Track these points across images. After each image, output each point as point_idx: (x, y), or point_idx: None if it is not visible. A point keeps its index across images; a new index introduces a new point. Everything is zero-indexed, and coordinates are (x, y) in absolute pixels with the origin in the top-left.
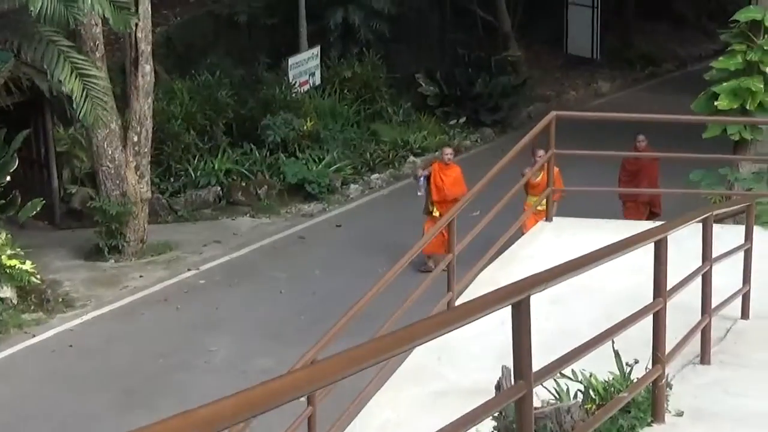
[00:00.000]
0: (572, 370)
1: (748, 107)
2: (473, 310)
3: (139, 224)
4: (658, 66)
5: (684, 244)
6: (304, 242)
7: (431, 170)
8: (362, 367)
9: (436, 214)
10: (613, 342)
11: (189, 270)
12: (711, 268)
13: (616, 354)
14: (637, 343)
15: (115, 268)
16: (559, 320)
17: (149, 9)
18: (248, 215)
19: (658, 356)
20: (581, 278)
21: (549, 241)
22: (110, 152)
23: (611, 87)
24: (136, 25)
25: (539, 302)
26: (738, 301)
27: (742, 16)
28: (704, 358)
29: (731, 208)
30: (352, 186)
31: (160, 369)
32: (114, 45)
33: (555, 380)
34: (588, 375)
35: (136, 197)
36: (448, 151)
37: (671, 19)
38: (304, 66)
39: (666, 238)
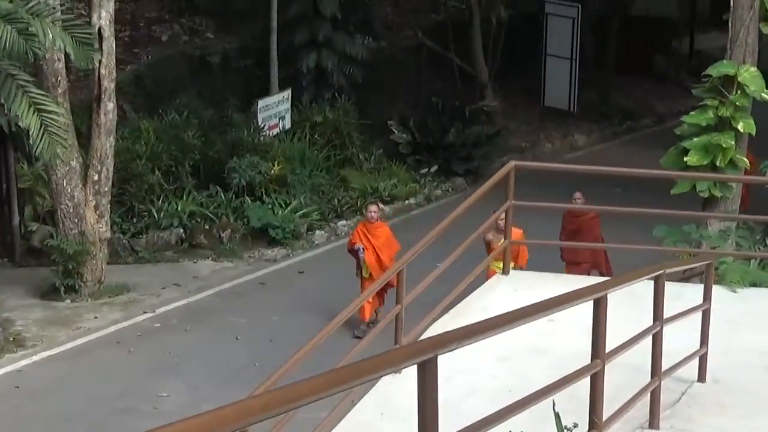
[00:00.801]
0: None
1: (718, 164)
2: (376, 367)
3: (97, 264)
4: (636, 120)
5: (645, 302)
6: (264, 288)
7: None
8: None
9: (366, 276)
10: (554, 403)
11: (145, 312)
12: (662, 328)
13: (557, 416)
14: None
15: (71, 308)
16: (505, 379)
17: (113, 46)
18: (210, 259)
19: (595, 421)
20: (532, 336)
21: (505, 295)
22: (69, 190)
23: (588, 140)
24: (100, 62)
25: (486, 359)
26: (695, 364)
27: (715, 71)
28: (653, 422)
29: (687, 266)
30: (318, 232)
31: (107, 414)
32: (83, 82)
33: None
34: None
35: (95, 237)
36: (373, 208)
37: (651, 76)
38: (274, 109)
39: (606, 296)
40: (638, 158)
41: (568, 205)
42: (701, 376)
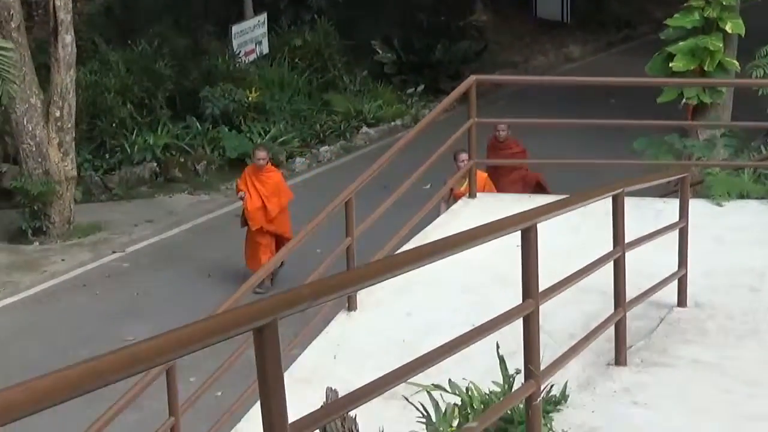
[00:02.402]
0: (449, 380)
1: (706, 68)
2: (193, 337)
3: (65, 204)
4: (634, 29)
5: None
6: (239, 220)
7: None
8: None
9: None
10: (498, 346)
11: (114, 252)
12: (623, 254)
13: (501, 360)
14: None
15: (39, 251)
16: (468, 313)
17: None
18: (186, 192)
19: (531, 370)
20: (501, 264)
21: (472, 220)
22: (31, 129)
23: (583, 51)
24: None
25: (449, 291)
26: (675, 287)
27: None
28: (619, 358)
29: (648, 183)
30: (298, 159)
31: (68, 362)
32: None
33: (428, 393)
34: (467, 386)
35: (61, 176)
36: (261, 154)
37: None
38: (250, 34)
39: (534, 225)
40: (636, 68)
41: (539, 120)
42: (681, 301)
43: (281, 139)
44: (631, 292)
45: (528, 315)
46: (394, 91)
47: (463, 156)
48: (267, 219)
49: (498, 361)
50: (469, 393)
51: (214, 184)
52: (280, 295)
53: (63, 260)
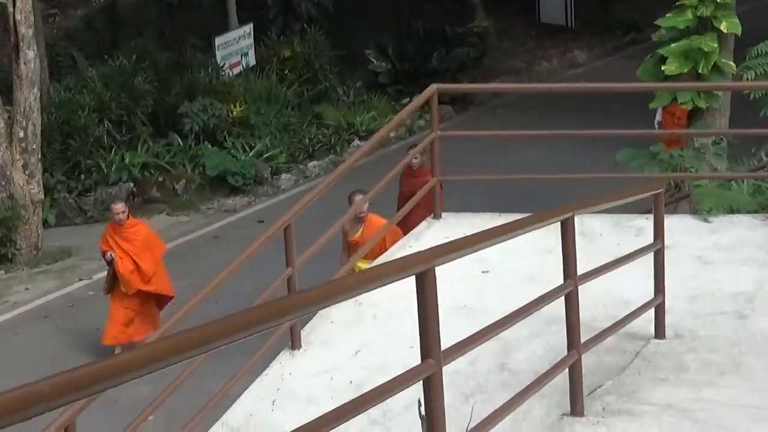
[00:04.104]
0: None
1: (700, 70)
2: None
3: (31, 229)
4: (641, 32)
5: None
6: (218, 242)
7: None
8: None
9: (130, 291)
10: (420, 404)
11: (80, 280)
12: (576, 288)
13: (423, 420)
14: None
15: (2, 279)
16: None
17: None
18: (165, 213)
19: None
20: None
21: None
22: None
23: (588, 56)
24: (14, 6)
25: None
26: (652, 316)
27: None
28: (575, 408)
29: (609, 203)
30: (284, 176)
31: None
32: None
33: None
34: None
35: (26, 199)
36: (118, 207)
37: None
38: (235, 46)
39: (432, 270)
40: None
41: (504, 132)
42: (659, 332)
43: (267, 155)
44: (604, 322)
45: (429, 377)
46: (389, 101)
47: (358, 197)
48: (144, 280)
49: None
50: None
51: (194, 204)
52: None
53: (27, 289)
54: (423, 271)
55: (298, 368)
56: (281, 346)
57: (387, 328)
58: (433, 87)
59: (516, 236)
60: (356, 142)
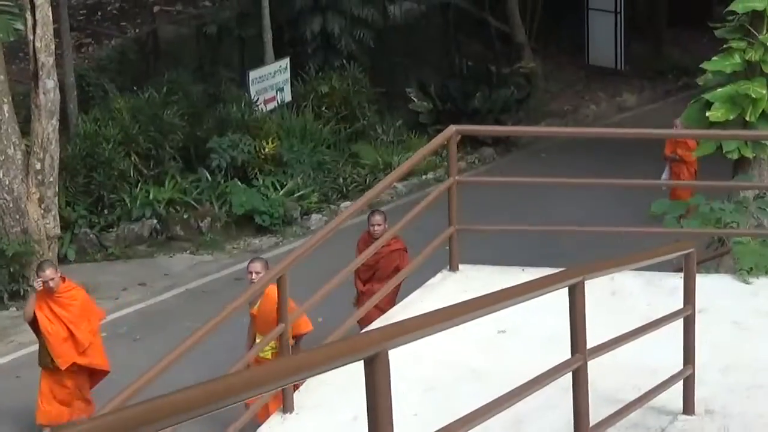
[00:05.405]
0: None
1: (748, 118)
2: None
3: None
4: (694, 76)
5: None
6: (240, 284)
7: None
8: None
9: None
10: None
11: None
12: (585, 363)
13: None
14: None
15: (13, 317)
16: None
17: (49, 14)
18: (188, 252)
19: None
20: (476, 356)
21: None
22: (8, 183)
23: (638, 100)
24: (34, 33)
25: (413, 388)
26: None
27: (741, 6)
28: None
29: (642, 262)
30: (314, 216)
31: None
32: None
33: None
34: None
35: (40, 234)
36: (49, 272)
37: (710, 27)
38: (270, 81)
39: (385, 352)
40: None
41: (528, 180)
42: (687, 407)
43: (299, 194)
44: (629, 394)
45: None
46: (429, 141)
47: (257, 266)
48: (78, 351)
49: None
50: None
51: (218, 243)
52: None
53: None
54: (371, 356)
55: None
56: None
57: (392, 393)
58: (452, 128)
59: (503, 308)
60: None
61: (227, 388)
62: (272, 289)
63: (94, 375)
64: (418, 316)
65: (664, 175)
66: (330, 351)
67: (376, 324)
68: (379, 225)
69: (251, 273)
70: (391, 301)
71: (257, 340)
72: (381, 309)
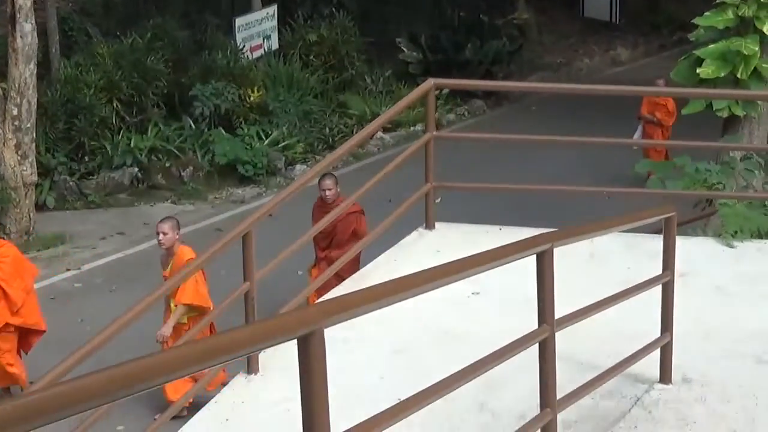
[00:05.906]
0: None
1: (739, 75)
2: None
3: (22, 213)
4: (689, 31)
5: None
6: (220, 235)
7: None
8: None
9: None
10: None
11: (68, 270)
12: (553, 334)
13: None
14: None
15: None
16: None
17: None
18: (170, 201)
19: None
20: (450, 317)
21: (425, 257)
22: None
23: (632, 54)
24: None
25: (380, 352)
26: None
27: None
28: None
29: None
30: (299, 167)
31: None
32: None
33: None
34: None
35: (17, 181)
36: None
37: None
38: (257, 28)
39: (321, 330)
40: None
41: (504, 136)
42: (664, 376)
43: (283, 144)
44: (606, 360)
45: None
46: None
47: (166, 226)
48: (11, 311)
49: None
50: None
51: (200, 192)
52: None
53: None
54: (306, 334)
55: (252, 396)
56: (237, 368)
57: (359, 355)
58: (430, 81)
59: (458, 280)
60: (379, 133)
61: (126, 375)
62: (183, 250)
63: (29, 336)
64: (358, 291)
65: (636, 135)
66: (257, 330)
67: (331, 294)
68: (330, 189)
69: (158, 233)
70: (352, 268)
71: (171, 305)
72: (341, 277)
